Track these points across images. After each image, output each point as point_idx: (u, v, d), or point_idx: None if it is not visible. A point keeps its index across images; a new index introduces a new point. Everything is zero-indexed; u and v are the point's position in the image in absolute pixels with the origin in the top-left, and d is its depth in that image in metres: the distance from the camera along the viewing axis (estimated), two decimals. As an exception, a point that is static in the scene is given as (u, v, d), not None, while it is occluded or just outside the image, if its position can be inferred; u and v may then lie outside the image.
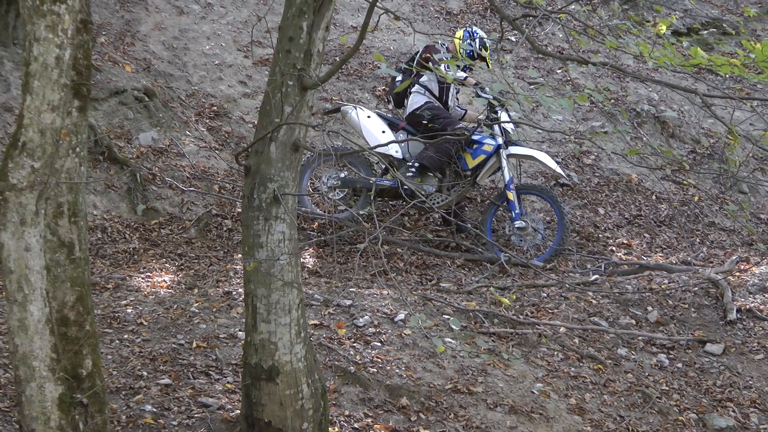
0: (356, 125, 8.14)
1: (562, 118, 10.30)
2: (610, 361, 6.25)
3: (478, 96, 8.30)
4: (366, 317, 6.18)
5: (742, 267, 7.87)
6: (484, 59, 8.27)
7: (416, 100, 8.21)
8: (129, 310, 6.15)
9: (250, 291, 4.43)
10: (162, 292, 6.61)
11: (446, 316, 6.41)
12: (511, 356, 5.95)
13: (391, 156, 8.21)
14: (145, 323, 5.94)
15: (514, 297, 6.87)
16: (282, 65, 4.27)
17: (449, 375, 5.69)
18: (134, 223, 7.78)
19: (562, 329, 6.49)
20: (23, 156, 3.60)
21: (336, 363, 5.53)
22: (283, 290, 4.40)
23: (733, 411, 5.95)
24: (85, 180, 3.82)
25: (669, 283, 7.43)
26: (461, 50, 8.22)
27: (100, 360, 4.02)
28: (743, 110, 9.52)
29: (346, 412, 5.16)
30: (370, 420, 5.13)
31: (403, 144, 8.23)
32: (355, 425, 5.06)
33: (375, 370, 5.54)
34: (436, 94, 8.27)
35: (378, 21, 4.42)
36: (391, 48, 10.93)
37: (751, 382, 6.27)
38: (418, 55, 8.16)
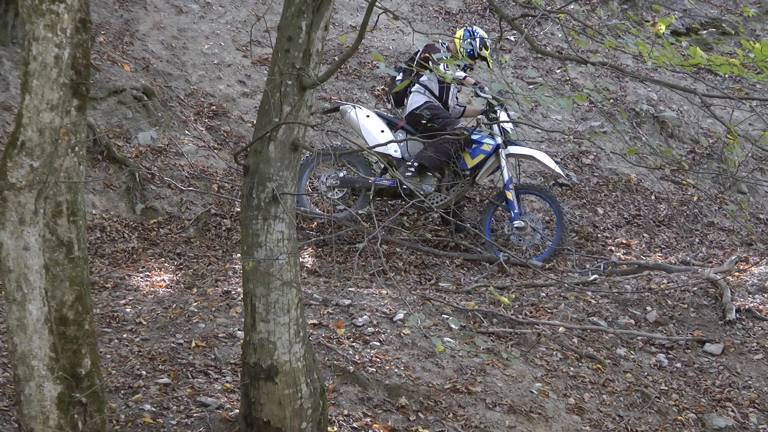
0: (355, 124, 8.13)
1: (561, 117, 10.30)
2: (609, 361, 6.25)
3: (477, 96, 8.30)
4: (365, 317, 6.18)
5: (741, 267, 7.87)
6: (484, 59, 8.27)
7: (416, 99, 8.20)
8: (128, 310, 6.14)
9: (249, 290, 4.43)
10: (161, 292, 6.61)
11: (445, 316, 6.40)
12: (510, 356, 5.95)
13: (390, 155, 8.20)
14: (144, 322, 5.94)
15: (513, 296, 6.86)
16: (281, 65, 4.27)
17: (448, 374, 5.69)
18: (133, 222, 7.78)
19: (561, 329, 6.49)
20: (22, 155, 3.60)
21: (335, 362, 5.53)
22: (282, 290, 4.40)
23: (732, 411, 5.95)
24: (84, 179, 3.82)
25: (668, 282, 7.43)
26: (461, 50, 8.22)
27: (99, 359, 4.03)
28: (742, 110, 9.52)
29: (345, 412, 5.15)
30: (369, 419, 5.13)
31: (402, 143, 8.23)
32: (354, 425, 5.06)
33: (374, 369, 5.54)
34: (436, 93, 8.26)
35: (377, 20, 4.42)
36: (390, 47, 10.93)
37: (750, 382, 6.27)
38: (418, 54, 8.16)
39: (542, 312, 6.78)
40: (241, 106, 9.56)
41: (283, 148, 4.35)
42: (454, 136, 7.74)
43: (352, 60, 10.42)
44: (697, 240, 8.84)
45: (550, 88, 10.59)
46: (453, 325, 6.13)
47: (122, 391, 5.03)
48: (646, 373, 6.21)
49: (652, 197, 9.46)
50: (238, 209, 7.91)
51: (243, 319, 4.65)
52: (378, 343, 5.88)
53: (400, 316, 6.22)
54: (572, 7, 10.29)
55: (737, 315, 6.90)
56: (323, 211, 8.35)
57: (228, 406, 5.01)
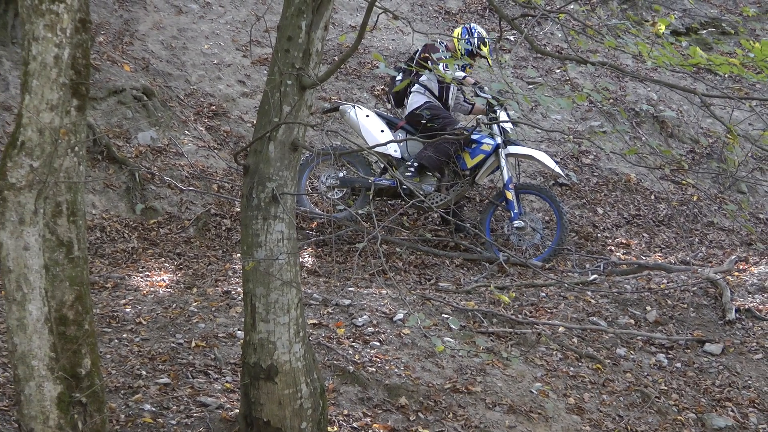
0: (355, 124, 8.13)
1: (560, 117, 10.30)
2: (608, 361, 6.25)
3: (477, 95, 8.30)
4: (365, 317, 6.18)
5: (741, 267, 7.87)
6: (483, 56, 8.25)
7: (416, 99, 8.20)
8: (128, 310, 6.14)
9: (249, 290, 4.43)
10: (161, 292, 6.61)
11: (445, 316, 6.40)
12: (510, 356, 5.95)
13: (390, 155, 8.20)
14: (144, 322, 5.94)
15: (513, 295, 6.87)
16: (281, 64, 4.27)
17: (448, 374, 5.69)
18: (133, 222, 7.78)
19: (560, 329, 6.49)
20: (22, 155, 3.60)
21: (335, 362, 5.53)
22: (281, 289, 4.40)
23: (732, 411, 5.95)
24: (84, 179, 3.83)
25: (668, 282, 7.43)
26: (460, 48, 8.21)
27: (99, 359, 4.03)
28: (742, 110, 9.52)
29: (345, 412, 5.16)
30: (368, 419, 5.13)
31: (401, 143, 8.23)
32: (354, 425, 5.06)
33: (374, 369, 5.54)
34: (436, 93, 8.26)
35: (377, 20, 4.42)
36: (390, 47, 10.93)
37: (749, 382, 6.27)
38: (418, 54, 8.15)
39: (542, 312, 6.78)
40: (240, 106, 9.56)
41: (282, 148, 4.35)
42: (454, 136, 7.74)
43: (352, 60, 10.42)
44: (696, 240, 8.84)
45: (550, 87, 10.59)
46: (453, 325, 6.13)
47: (122, 391, 5.03)
48: (645, 373, 6.21)
49: (652, 197, 9.46)
50: (238, 209, 7.91)
51: (243, 319, 4.65)
52: (378, 343, 5.88)
53: (400, 316, 6.22)
54: (572, 6, 10.29)
55: (737, 315, 6.90)
56: (323, 211, 8.35)
57: (228, 406, 5.01)
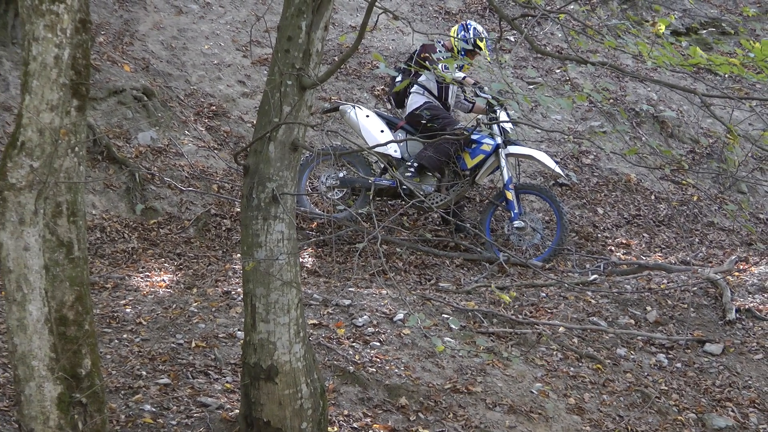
0: (355, 124, 8.13)
1: (561, 117, 10.30)
2: (609, 361, 6.25)
3: (477, 96, 8.29)
4: (365, 317, 6.18)
5: (741, 267, 7.87)
6: (480, 53, 8.21)
7: (415, 100, 8.20)
8: (128, 310, 6.14)
9: (249, 290, 4.43)
10: (161, 292, 6.61)
11: (445, 316, 6.40)
12: (511, 356, 5.95)
13: (390, 156, 8.20)
14: (144, 323, 5.94)
15: (514, 294, 6.87)
16: (281, 65, 4.27)
17: (448, 375, 5.69)
18: (133, 222, 7.77)
19: (561, 329, 6.49)
20: (22, 155, 3.60)
21: (335, 363, 5.53)
22: (282, 290, 4.40)
23: (732, 411, 5.95)
24: (84, 179, 3.82)
25: (668, 282, 7.43)
26: (456, 44, 8.21)
27: (99, 359, 4.03)
28: (742, 110, 9.52)
29: (345, 412, 5.16)
30: (369, 420, 5.13)
31: (401, 144, 8.23)
32: (354, 425, 5.06)
33: (374, 369, 5.54)
34: (436, 93, 8.26)
35: (377, 20, 4.42)
36: (390, 48, 10.93)
37: (750, 382, 6.27)
38: (416, 54, 8.14)
39: (542, 312, 6.78)
40: (241, 106, 9.56)
41: (283, 149, 4.35)
42: (454, 137, 7.74)
43: (352, 60, 10.42)
44: (697, 240, 8.84)
45: (550, 88, 10.59)
46: (453, 325, 6.13)
47: (122, 392, 5.03)
48: (646, 373, 6.21)
49: (652, 197, 9.46)
50: (238, 209, 7.91)
51: (243, 320, 4.65)
52: (378, 343, 5.88)
53: (400, 316, 6.22)
54: (572, 7, 10.28)
55: (737, 315, 6.90)
56: (323, 211, 8.35)
57: (228, 406, 5.01)
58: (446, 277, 7.53)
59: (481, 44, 8.17)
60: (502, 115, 8.10)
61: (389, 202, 8.63)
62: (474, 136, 8.06)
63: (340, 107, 8.36)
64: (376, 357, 5.70)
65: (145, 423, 4.76)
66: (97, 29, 9.58)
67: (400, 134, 8.20)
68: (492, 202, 8.25)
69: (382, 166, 8.31)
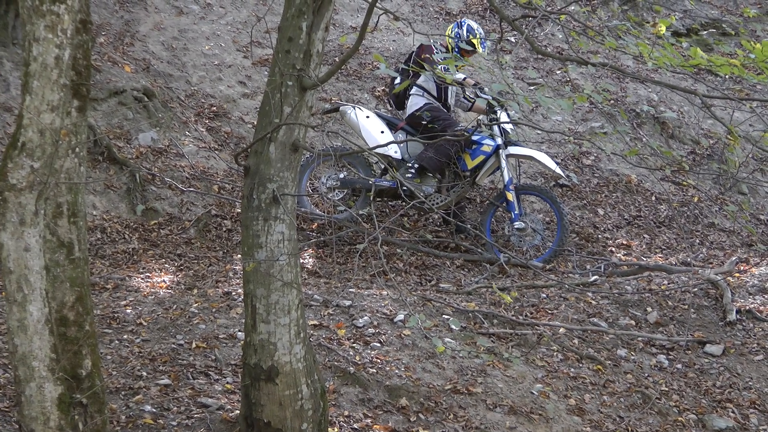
0: (355, 125, 8.13)
1: (561, 118, 10.30)
2: (609, 362, 6.25)
3: (477, 96, 8.29)
4: (365, 318, 6.18)
5: (742, 268, 7.87)
6: (473, 46, 8.18)
7: (416, 101, 8.20)
8: (128, 311, 6.14)
9: (250, 291, 4.43)
10: (161, 293, 6.61)
11: (446, 317, 6.40)
12: (511, 357, 5.95)
13: (390, 157, 8.20)
14: (145, 323, 5.94)
15: (515, 294, 6.87)
16: (281, 65, 4.27)
17: (449, 375, 5.69)
18: (133, 223, 7.78)
19: (561, 330, 6.49)
20: (23, 156, 3.60)
21: (335, 363, 5.53)
22: (282, 291, 4.40)
23: (733, 412, 5.95)
24: (85, 180, 3.82)
25: (668, 283, 7.43)
26: (450, 41, 8.20)
27: (100, 360, 4.02)
28: (743, 111, 9.51)
29: (346, 413, 5.15)
30: (369, 420, 5.13)
31: (402, 144, 8.22)
32: (355, 426, 5.06)
33: (374, 370, 5.54)
34: (435, 94, 8.25)
35: (377, 21, 4.42)
36: (391, 48, 10.93)
37: (750, 383, 6.27)
38: (413, 55, 8.12)
39: (543, 313, 6.78)
40: (241, 107, 9.56)
41: (283, 149, 4.35)
42: (454, 137, 7.73)
43: (353, 61, 10.42)
44: (697, 241, 8.83)
45: (551, 88, 10.59)
46: (453, 326, 6.13)
47: (123, 392, 5.03)
48: (646, 374, 6.21)
49: (653, 198, 9.46)
50: (239, 210, 7.91)
51: (243, 320, 4.65)
52: (378, 344, 5.88)
53: (401, 317, 6.22)
54: (573, 8, 10.29)
55: (738, 316, 6.90)
56: (323, 212, 8.35)
57: (228, 407, 5.01)
58: (447, 278, 7.53)
59: (474, 41, 8.14)
60: (503, 116, 8.09)
61: (390, 203, 8.63)
62: (474, 137, 8.06)
63: (340, 108, 8.36)
64: (377, 358, 5.70)
65: (146, 424, 4.76)
66: (97, 30, 9.59)
67: (400, 135, 8.19)
68: (492, 203, 8.25)
69: (383, 166, 8.31)
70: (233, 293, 6.53)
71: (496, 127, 7.98)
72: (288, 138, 4.34)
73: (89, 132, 7.53)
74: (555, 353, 6.23)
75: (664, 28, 5.47)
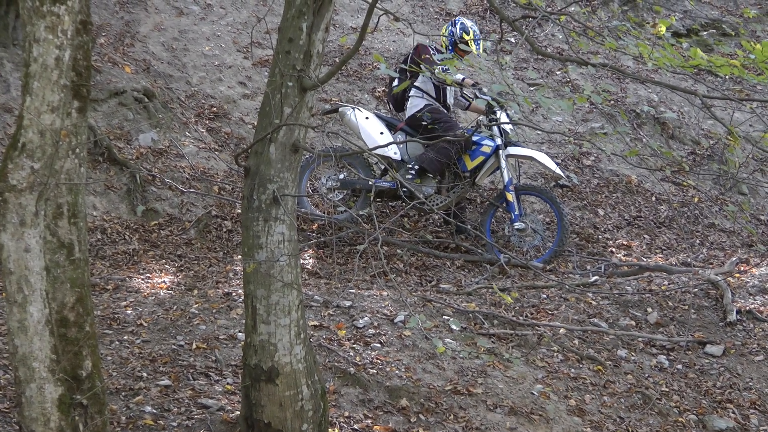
0: (354, 126, 8.13)
1: (561, 119, 10.30)
2: (609, 363, 6.25)
3: (477, 97, 8.29)
4: (366, 318, 6.18)
5: (742, 268, 7.87)
6: (466, 47, 8.16)
7: (416, 103, 8.19)
8: (129, 312, 6.14)
9: (250, 292, 4.43)
10: (162, 293, 6.61)
11: (446, 317, 6.40)
12: (511, 357, 5.95)
13: (390, 158, 8.19)
14: (145, 324, 5.94)
15: (516, 295, 6.86)
16: (281, 66, 4.27)
17: (449, 376, 5.69)
18: (134, 224, 7.78)
19: (561, 330, 6.49)
20: (23, 157, 3.60)
21: (336, 364, 5.53)
22: (282, 291, 4.40)
23: (733, 412, 5.95)
24: (85, 181, 3.82)
25: (669, 284, 7.43)
26: (444, 40, 8.20)
27: (100, 361, 4.02)
28: (743, 111, 9.51)
29: (346, 413, 5.15)
30: (369, 421, 5.13)
31: (401, 145, 8.22)
32: (355, 426, 5.06)
33: (375, 371, 5.54)
34: (433, 95, 8.25)
35: (378, 22, 4.42)
36: (391, 49, 10.93)
37: (751, 384, 6.27)
38: (410, 56, 8.11)
39: (543, 313, 6.78)
40: (241, 107, 9.56)
41: (283, 150, 4.35)
42: (454, 138, 7.73)
43: (353, 61, 10.42)
44: (697, 241, 8.83)
45: (551, 89, 10.59)
46: (454, 327, 6.13)
47: (123, 393, 5.03)
48: (646, 375, 6.21)
49: (653, 198, 9.46)
50: (239, 211, 7.91)
51: (244, 321, 4.65)
52: (379, 345, 5.88)
53: (401, 317, 6.22)
54: (573, 8, 10.29)
55: (738, 316, 6.90)
56: (324, 213, 8.35)
57: (229, 407, 5.01)
58: (447, 278, 7.53)
59: (467, 38, 8.13)
60: (502, 117, 8.09)
61: (390, 204, 8.63)
62: (474, 138, 8.06)
63: (340, 109, 8.36)
64: (377, 358, 5.70)
65: (146, 424, 4.76)
66: (98, 31, 9.59)
67: (399, 136, 8.19)
68: (492, 204, 8.24)
69: (383, 167, 8.31)
70: (233, 294, 6.53)
71: (495, 128, 7.98)
72: (288, 139, 4.34)
73: (89, 133, 7.52)
74: (555, 354, 6.23)
75: (664, 29, 5.48)
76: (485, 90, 8.22)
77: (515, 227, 7.97)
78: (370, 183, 7.92)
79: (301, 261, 7.41)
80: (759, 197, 9.85)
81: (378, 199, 8.29)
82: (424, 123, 8.00)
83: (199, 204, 8.19)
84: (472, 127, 8.30)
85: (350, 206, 8.14)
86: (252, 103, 9.59)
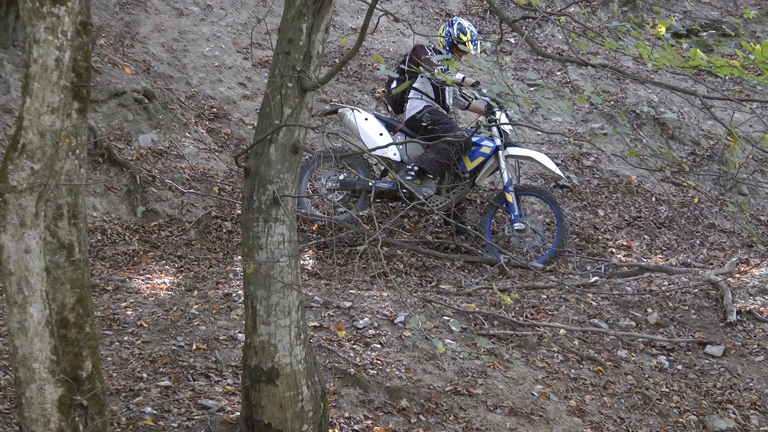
0: (353, 128, 8.13)
1: (561, 119, 10.30)
2: (610, 363, 6.25)
3: (477, 98, 8.29)
4: (366, 319, 6.18)
5: (742, 269, 7.87)
6: (464, 47, 8.16)
7: (415, 104, 8.19)
8: (129, 312, 6.14)
9: (250, 293, 4.43)
10: (162, 294, 6.61)
11: (446, 318, 6.40)
12: (511, 358, 5.95)
13: (389, 159, 8.19)
14: (145, 325, 5.94)
15: (516, 296, 6.86)
16: (281, 67, 4.27)
17: (449, 377, 5.69)
18: (134, 224, 7.78)
19: (562, 331, 6.49)
20: (23, 158, 3.60)
21: (336, 365, 5.53)
22: (282, 292, 4.40)
23: (733, 413, 5.95)
24: (85, 182, 3.82)
25: (669, 284, 7.43)
26: (442, 40, 8.20)
27: (100, 362, 4.03)
28: (743, 112, 9.52)
29: (346, 414, 5.15)
30: (369, 422, 5.13)
31: (401, 146, 8.22)
32: (355, 427, 5.06)
33: (375, 371, 5.54)
34: (432, 96, 8.25)
35: (377, 23, 4.42)
36: (391, 50, 10.93)
37: (751, 384, 6.27)
38: (408, 57, 8.11)
39: (543, 314, 6.78)
40: (241, 108, 9.57)
41: (283, 151, 4.35)
42: (454, 139, 7.73)
43: (353, 62, 10.42)
44: (697, 242, 8.83)
45: (551, 90, 10.60)
46: (454, 327, 6.13)
47: (123, 394, 5.03)
48: (647, 375, 6.21)
49: (653, 199, 9.46)
50: (239, 211, 7.91)
51: (244, 322, 4.65)
52: (379, 346, 5.88)
53: (401, 318, 6.22)
54: (572, 9, 10.29)
55: (738, 317, 6.90)
56: (324, 213, 8.35)
57: (229, 408, 5.01)
58: (447, 279, 7.53)
59: (464, 38, 8.12)
60: (502, 117, 8.09)
61: (390, 205, 8.63)
62: (473, 139, 8.06)
63: (339, 110, 8.36)
64: (377, 359, 5.70)
65: (146, 425, 4.76)
66: (97, 31, 9.59)
67: (399, 137, 8.19)
68: (492, 204, 8.25)
69: (383, 168, 8.31)
70: (233, 295, 6.53)
71: (495, 129, 7.98)
72: (288, 139, 4.34)
73: (89, 134, 7.52)
74: (555, 354, 6.23)
75: (663, 29, 5.47)
76: (485, 90, 8.22)
77: (515, 228, 7.98)
78: (370, 184, 7.92)
79: (301, 262, 7.41)
80: (759, 198, 9.85)
81: (378, 200, 8.29)
82: (423, 124, 8.00)
83: (199, 205, 8.19)
84: (471, 127, 8.30)
85: (350, 207, 8.14)
86: (252, 104, 9.59)
